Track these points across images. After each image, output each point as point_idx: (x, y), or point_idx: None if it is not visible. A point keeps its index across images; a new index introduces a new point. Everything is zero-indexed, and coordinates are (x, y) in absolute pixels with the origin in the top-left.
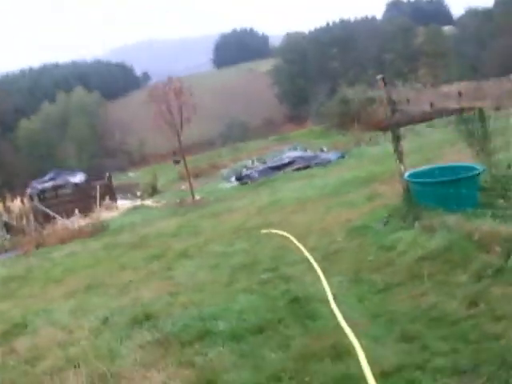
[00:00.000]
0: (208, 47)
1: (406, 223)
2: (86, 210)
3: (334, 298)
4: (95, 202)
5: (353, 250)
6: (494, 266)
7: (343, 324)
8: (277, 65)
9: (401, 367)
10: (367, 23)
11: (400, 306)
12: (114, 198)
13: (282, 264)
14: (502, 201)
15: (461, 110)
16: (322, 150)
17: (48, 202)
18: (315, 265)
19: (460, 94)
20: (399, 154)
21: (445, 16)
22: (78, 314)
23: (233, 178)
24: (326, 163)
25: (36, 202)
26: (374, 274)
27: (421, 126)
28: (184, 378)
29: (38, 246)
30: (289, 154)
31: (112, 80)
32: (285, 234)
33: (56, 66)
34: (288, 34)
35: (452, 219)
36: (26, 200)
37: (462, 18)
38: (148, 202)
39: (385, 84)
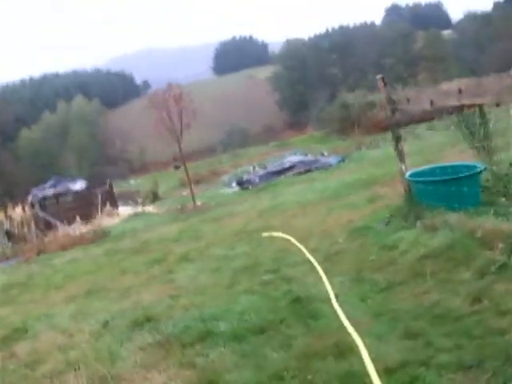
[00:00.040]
0: (207, 55)
1: (408, 223)
2: (87, 217)
3: (336, 298)
4: (96, 209)
5: (354, 250)
6: (498, 263)
7: (346, 323)
8: (276, 71)
9: (405, 363)
10: (366, 29)
11: (403, 304)
12: (115, 205)
13: (283, 265)
14: (503, 199)
15: (461, 108)
16: (322, 155)
17: (49, 209)
18: (317, 265)
19: (460, 90)
20: (400, 154)
21: (444, 20)
22: (78, 318)
23: (234, 184)
24: (326, 167)
25: (37, 209)
26: (376, 273)
27: (421, 129)
28: (185, 379)
29: (39, 253)
30: (289, 159)
31: (112, 89)
32: (286, 236)
33: (56, 75)
34: (288, 41)
35: (454, 217)
36: (27, 208)
37: (460, 22)
38: (149, 209)
39: (384, 84)
